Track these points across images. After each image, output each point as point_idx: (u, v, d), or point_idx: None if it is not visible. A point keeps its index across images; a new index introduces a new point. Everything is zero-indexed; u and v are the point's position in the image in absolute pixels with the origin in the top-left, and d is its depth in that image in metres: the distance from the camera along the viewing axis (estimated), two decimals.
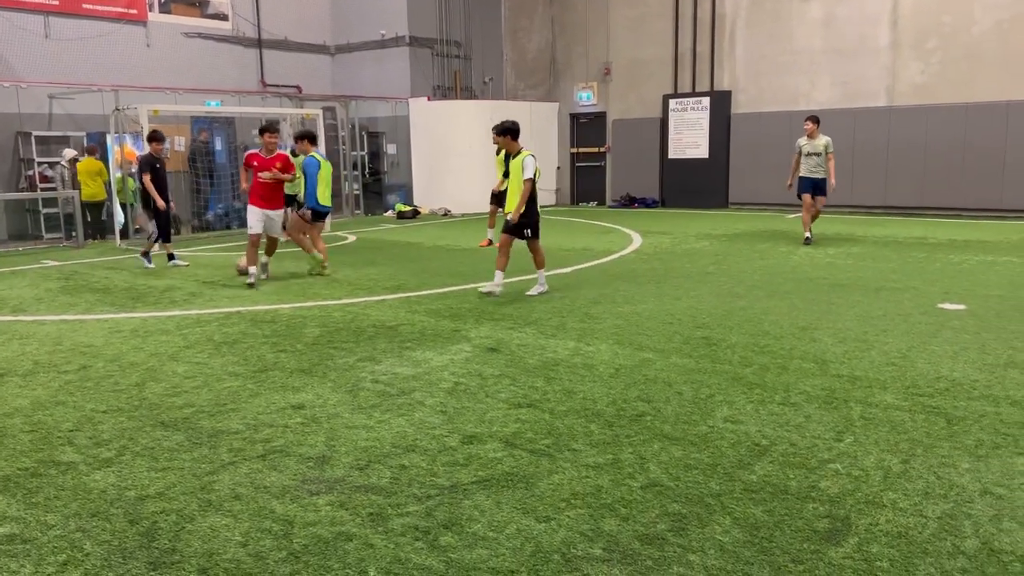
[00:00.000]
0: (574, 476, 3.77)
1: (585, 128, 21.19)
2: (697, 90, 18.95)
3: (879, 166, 16.74)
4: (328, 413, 4.74)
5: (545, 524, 3.28)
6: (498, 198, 11.87)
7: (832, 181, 11.97)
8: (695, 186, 18.94)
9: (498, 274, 8.34)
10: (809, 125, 11.96)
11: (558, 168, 21.46)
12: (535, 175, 8.14)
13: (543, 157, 21.53)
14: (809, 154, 11.88)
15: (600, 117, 20.77)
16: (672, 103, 19.14)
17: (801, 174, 12.01)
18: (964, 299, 7.70)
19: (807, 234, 12.12)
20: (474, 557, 3.03)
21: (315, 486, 3.71)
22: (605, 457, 3.99)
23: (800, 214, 12.92)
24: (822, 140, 11.84)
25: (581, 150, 21.38)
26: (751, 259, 10.74)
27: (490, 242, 12.65)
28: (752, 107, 18.29)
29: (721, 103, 18.49)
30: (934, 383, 5.08)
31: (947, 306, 7.42)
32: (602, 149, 20.86)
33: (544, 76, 21.70)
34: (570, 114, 21.29)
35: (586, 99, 20.92)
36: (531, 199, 8.25)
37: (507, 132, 8.38)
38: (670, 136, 19.31)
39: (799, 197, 12.16)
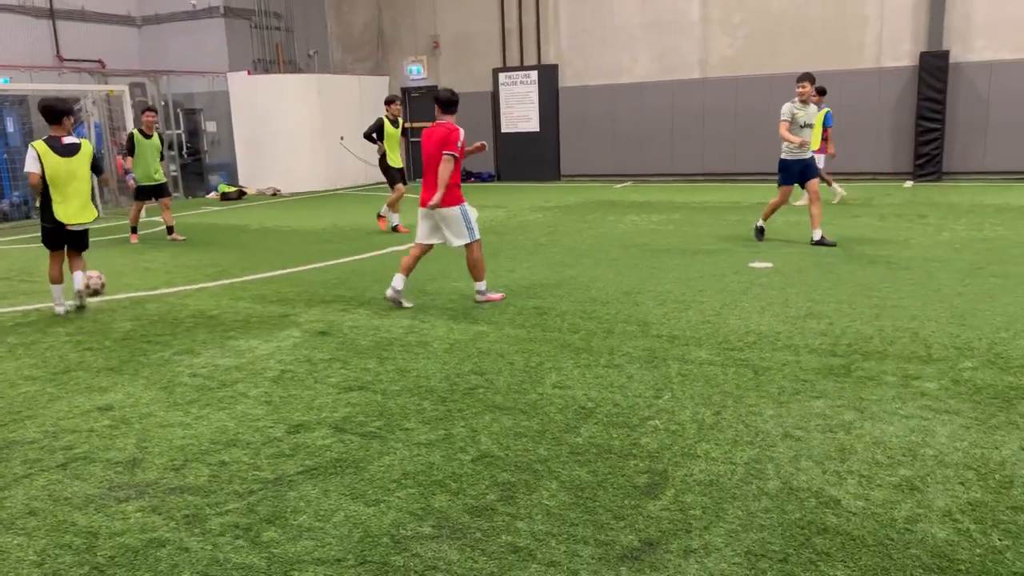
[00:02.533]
0: (406, 456, 3.72)
1: (417, 103, 20.94)
2: (525, 64, 19.20)
3: (695, 135, 17.72)
4: (140, 413, 4.41)
5: (374, 508, 3.22)
6: (399, 173, 11.34)
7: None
8: (528, 159, 19.26)
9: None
10: (804, 87, 8.77)
11: None
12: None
13: None
14: (804, 125, 8.86)
15: (432, 91, 20.58)
16: (502, 77, 19.29)
17: (784, 156, 9.02)
18: (771, 257, 8.31)
19: (761, 223, 9.53)
20: (299, 549, 2.92)
21: (124, 492, 3.43)
22: (437, 433, 3.97)
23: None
24: (818, 110, 9.18)
25: (415, 125, 21.09)
26: (581, 229, 11.06)
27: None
28: (578, 80, 18.78)
29: (549, 77, 18.84)
30: (743, 337, 5.44)
31: (756, 265, 7.98)
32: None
33: (372, 50, 21.21)
34: (401, 88, 20.96)
35: (416, 73, 20.67)
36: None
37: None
38: (502, 110, 19.48)
39: (779, 187, 9.29)
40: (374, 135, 11.13)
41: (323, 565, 2.82)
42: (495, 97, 19.54)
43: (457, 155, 6.58)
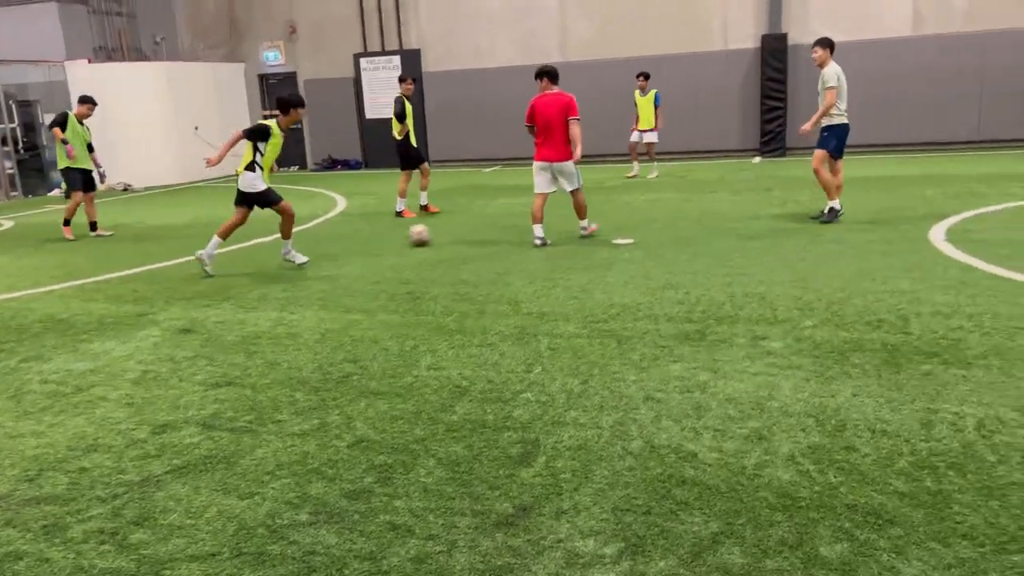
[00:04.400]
0: (279, 447, 3.68)
1: (276, 89, 20.24)
2: (387, 49, 18.98)
3: None
4: None
5: (248, 500, 3.17)
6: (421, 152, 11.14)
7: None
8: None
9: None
10: (818, 52, 8.66)
11: None
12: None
13: (233, 122, 20.29)
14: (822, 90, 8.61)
15: (291, 78, 20.00)
16: (363, 62, 18.99)
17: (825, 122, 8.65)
18: (634, 233, 8.67)
19: (835, 205, 8.71)
20: (170, 548, 2.85)
21: None
22: (311, 423, 3.94)
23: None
24: (831, 69, 8.57)
25: (275, 112, 20.46)
26: (452, 213, 11.11)
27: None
28: (442, 65, 18.75)
29: (412, 62, 18.71)
30: (608, 310, 5.68)
31: (620, 241, 8.30)
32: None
33: (224, 35, 20.33)
34: (258, 75, 20.25)
35: (274, 59, 20.01)
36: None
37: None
38: (365, 96, 19.18)
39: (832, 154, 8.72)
40: (399, 115, 10.69)
41: (197, 561, 2.76)
42: (357, 83, 19.21)
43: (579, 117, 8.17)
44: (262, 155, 7.66)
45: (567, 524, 2.87)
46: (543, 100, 8.17)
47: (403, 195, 11.07)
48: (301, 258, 7.93)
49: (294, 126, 8.02)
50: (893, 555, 2.57)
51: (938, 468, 3.13)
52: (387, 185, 15.37)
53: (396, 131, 10.87)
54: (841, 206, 8.84)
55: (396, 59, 18.70)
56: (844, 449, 3.34)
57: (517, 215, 10.60)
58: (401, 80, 11.05)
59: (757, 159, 16.48)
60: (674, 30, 16.99)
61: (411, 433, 3.75)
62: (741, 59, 16.80)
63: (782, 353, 4.57)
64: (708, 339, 4.90)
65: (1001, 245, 7.05)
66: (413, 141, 11.01)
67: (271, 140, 7.60)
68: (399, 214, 11.04)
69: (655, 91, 13.95)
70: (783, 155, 16.74)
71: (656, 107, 13.91)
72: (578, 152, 8.11)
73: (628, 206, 10.86)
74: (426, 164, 11.22)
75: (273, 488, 3.28)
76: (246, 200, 7.78)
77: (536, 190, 8.39)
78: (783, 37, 16.32)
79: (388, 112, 19.02)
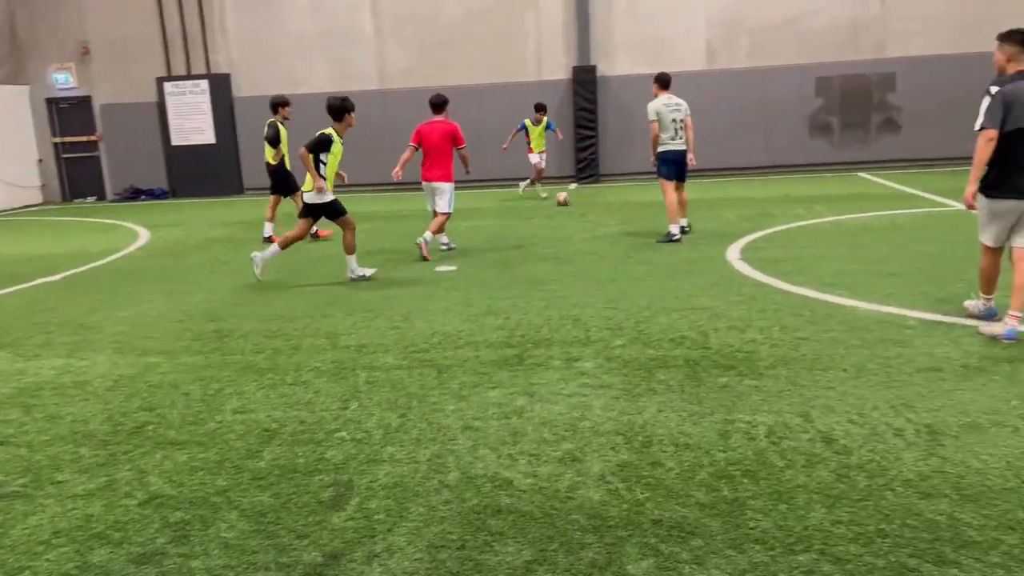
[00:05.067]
0: (57, 512, 3.29)
1: (68, 115, 18.69)
2: (193, 72, 18.04)
3: (378, 146, 17.91)
4: None
5: None
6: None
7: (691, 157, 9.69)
8: (207, 173, 18.11)
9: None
10: (654, 88, 9.47)
11: (40, 161, 18.63)
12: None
13: (17, 150, 18.51)
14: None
15: (85, 102, 18.51)
16: (168, 86, 17.92)
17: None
18: (455, 261, 8.70)
19: (671, 228, 9.33)
20: None
21: None
22: (97, 481, 3.56)
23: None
24: (651, 104, 9.42)
25: (66, 139, 18.83)
26: (268, 244, 10.64)
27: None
28: (254, 90, 18.06)
29: (221, 86, 17.90)
30: (429, 339, 5.62)
31: (442, 269, 8.29)
32: (93, 138, 18.64)
33: (6, 55, 18.49)
34: (46, 99, 18.57)
35: (64, 82, 18.43)
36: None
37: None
38: (171, 122, 18.09)
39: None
40: (273, 140, 10.49)
41: None
42: (162, 108, 18.09)
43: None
44: (325, 165, 7.75)
45: (379, 568, 2.76)
46: (428, 126, 9.05)
47: (271, 220, 10.91)
48: (369, 271, 8.04)
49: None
50: (694, 566, 2.67)
51: (734, 477, 3.32)
52: (196, 215, 14.53)
53: (270, 156, 10.63)
54: (681, 230, 9.47)
55: (204, 83, 17.81)
56: (650, 464, 3.46)
57: (338, 243, 10.34)
58: (284, 104, 10.74)
59: (573, 185, 17.14)
60: (491, 60, 17.41)
61: (212, 484, 3.48)
62: (555, 89, 17.47)
63: (594, 373, 4.70)
64: (526, 363, 4.96)
65: (787, 262, 7.71)
66: (288, 166, 10.76)
67: (332, 149, 7.74)
68: (267, 240, 10.71)
69: (546, 119, 14.66)
70: (597, 181, 17.52)
71: (550, 130, 14.63)
72: (468, 168, 9.23)
73: (449, 233, 10.89)
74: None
75: (48, 559, 2.92)
76: (312, 212, 7.90)
77: (428, 207, 9.43)
78: (592, 69, 17.16)
79: (198, 138, 18.17)
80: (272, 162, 10.68)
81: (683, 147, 9.42)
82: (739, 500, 3.11)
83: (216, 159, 18.10)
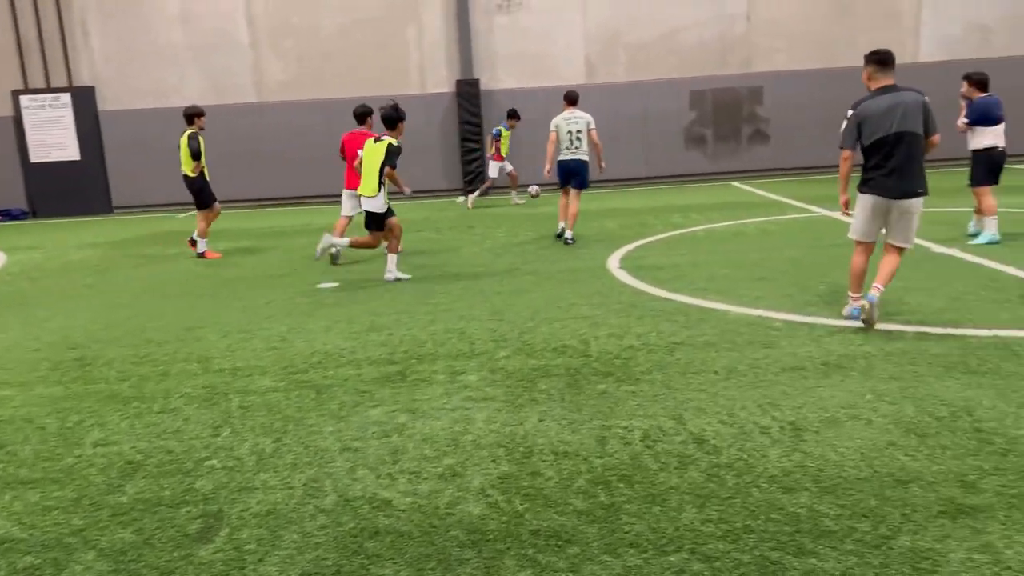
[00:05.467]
0: None
1: None
2: (53, 85, 17.00)
3: (255, 160, 17.40)
4: None
5: None
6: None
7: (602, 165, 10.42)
8: (70, 192, 17.06)
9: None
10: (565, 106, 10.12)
11: None
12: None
13: None
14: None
15: None
16: (24, 100, 16.80)
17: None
18: (337, 277, 8.52)
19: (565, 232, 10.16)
20: None
21: None
22: None
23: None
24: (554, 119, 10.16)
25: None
26: (138, 265, 10.14)
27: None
28: (122, 103, 17.21)
29: (85, 99, 16.93)
30: (309, 359, 5.47)
31: (324, 285, 8.11)
32: None
33: None
34: None
35: None
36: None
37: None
38: (29, 137, 16.96)
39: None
40: (196, 153, 10.14)
41: None
42: (18, 123, 16.94)
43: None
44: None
45: None
46: (351, 136, 9.40)
47: (204, 235, 10.53)
48: (405, 275, 8.24)
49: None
50: (570, 575, 2.70)
51: (611, 482, 3.38)
52: (59, 236, 13.66)
53: (188, 168, 10.23)
54: (558, 236, 10.38)
55: (65, 96, 16.78)
56: (530, 475, 3.48)
57: (214, 264, 9.94)
58: (200, 115, 10.26)
59: (461, 198, 17.17)
60: (373, 73, 17.23)
61: (67, 524, 3.25)
62: (439, 102, 17.48)
63: (478, 386, 4.70)
64: (409, 379, 4.90)
65: (664, 269, 7.97)
66: (207, 178, 10.49)
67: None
68: (201, 255, 10.41)
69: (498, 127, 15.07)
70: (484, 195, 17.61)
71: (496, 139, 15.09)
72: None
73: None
74: (217, 204, 10.71)
75: None
76: (376, 221, 8.19)
77: (343, 213, 9.70)
78: (476, 83, 17.27)
79: (60, 155, 17.09)
80: (192, 175, 10.25)
81: (578, 157, 10.06)
82: (615, 505, 3.16)
83: (81, 177, 17.09)
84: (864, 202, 5.61)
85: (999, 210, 8.71)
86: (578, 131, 9.93)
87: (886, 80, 5.51)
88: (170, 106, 17.00)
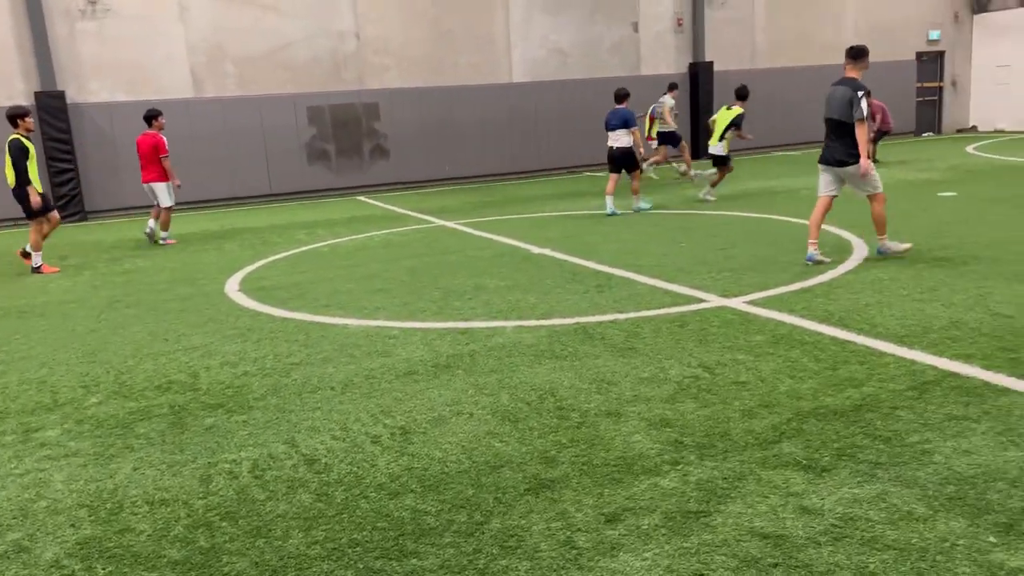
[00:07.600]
0: None
1: None
2: None
3: None
4: None
5: None
6: None
7: None
8: None
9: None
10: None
11: None
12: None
13: None
14: None
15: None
16: None
17: None
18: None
19: None
20: None
21: None
22: None
23: None
24: None
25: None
26: None
27: None
28: None
29: None
30: None
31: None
32: None
33: None
34: None
35: None
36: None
37: None
38: None
39: None
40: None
41: None
42: None
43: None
44: None
45: None
46: (141, 138, 11.20)
47: (38, 248, 9.73)
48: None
49: None
50: None
51: (213, 522, 3.14)
52: None
53: (11, 178, 9.43)
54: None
55: None
56: (119, 533, 3.10)
57: None
58: (24, 115, 9.47)
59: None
60: None
61: None
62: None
63: (59, 442, 4.09)
64: None
65: (285, 289, 7.77)
66: (39, 187, 9.65)
67: None
68: (36, 270, 9.64)
69: None
70: (84, 219, 15.65)
71: None
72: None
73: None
74: (55, 212, 10.09)
75: None
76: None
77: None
78: (61, 95, 15.24)
79: None
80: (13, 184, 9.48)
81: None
82: (215, 547, 2.94)
83: None
84: (820, 168, 7.35)
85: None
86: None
87: (850, 72, 7.07)
88: None
